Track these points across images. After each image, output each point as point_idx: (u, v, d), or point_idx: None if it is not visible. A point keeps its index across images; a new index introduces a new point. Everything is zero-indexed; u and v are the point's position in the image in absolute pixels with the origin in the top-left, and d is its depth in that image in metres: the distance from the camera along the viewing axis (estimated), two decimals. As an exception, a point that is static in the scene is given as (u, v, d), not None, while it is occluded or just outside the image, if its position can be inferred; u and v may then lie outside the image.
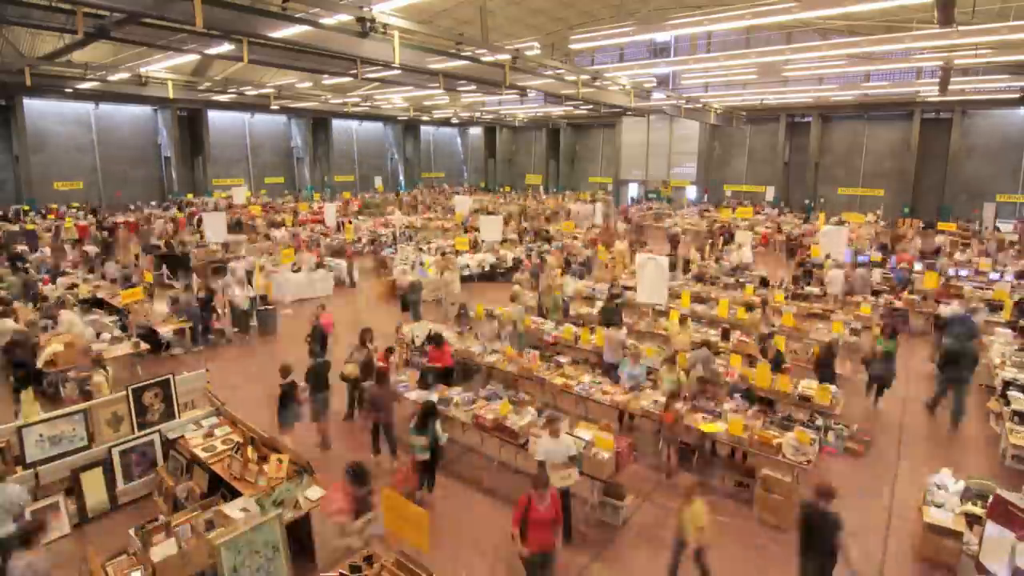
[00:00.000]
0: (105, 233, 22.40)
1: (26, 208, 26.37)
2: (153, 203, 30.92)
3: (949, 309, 11.47)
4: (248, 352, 12.21)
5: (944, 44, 15.62)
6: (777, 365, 8.63)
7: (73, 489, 6.43)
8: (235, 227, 22.89)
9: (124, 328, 11.49)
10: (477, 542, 6.18)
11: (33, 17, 12.11)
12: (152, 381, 7.27)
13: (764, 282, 14.58)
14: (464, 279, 17.44)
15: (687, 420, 7.42)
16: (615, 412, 8.55)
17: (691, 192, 37.75)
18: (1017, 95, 24.94)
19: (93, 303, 13.35)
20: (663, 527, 6.39)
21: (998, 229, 24.24)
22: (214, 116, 34.59)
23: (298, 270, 16.46)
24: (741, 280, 15.27)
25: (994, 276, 15.43)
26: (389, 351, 9.28)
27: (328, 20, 11.45)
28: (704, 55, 28.00)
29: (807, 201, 32.70)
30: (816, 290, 14.42)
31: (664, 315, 12.09)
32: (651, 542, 6.18)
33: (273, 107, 31.20)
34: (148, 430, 7.07)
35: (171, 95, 24.35)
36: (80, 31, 11.15)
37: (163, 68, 22.44)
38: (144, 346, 10.58)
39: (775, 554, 6.02)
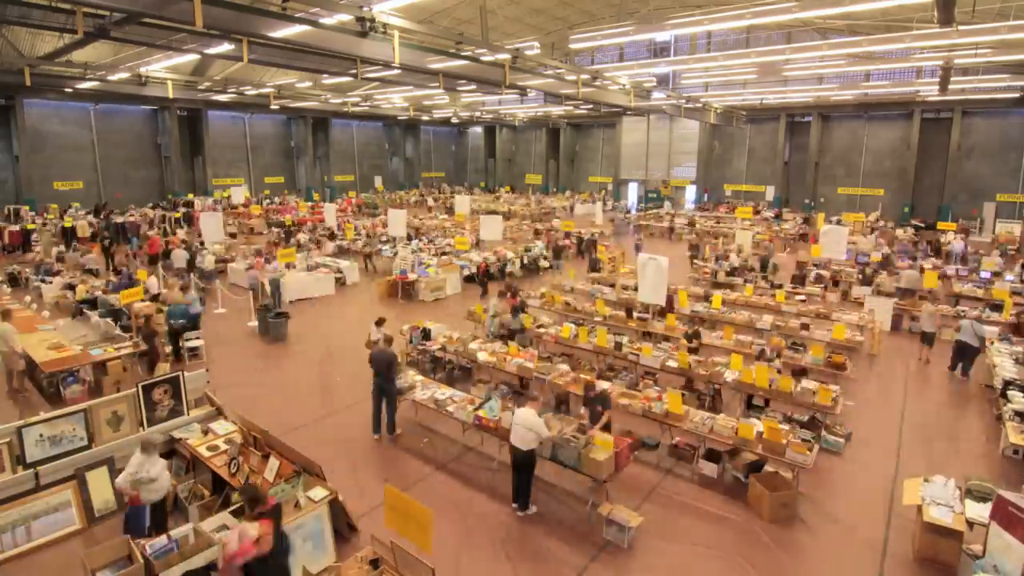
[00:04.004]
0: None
1: (26, 208, 26.38)
2: (151, 204, 30.93)
3: None
4: (256, 353, 12.20)
5: (944, 43, 15.64)
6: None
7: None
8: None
9: (127, 329, 11.48)
10: (478, 542, 6.17)
11: (33, 17, 12.13)
12: (161, 378, 7.31)
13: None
14: (469, 279, 17.50)
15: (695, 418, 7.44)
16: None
17: (690, 192, 37.75)
18: (1017, 95, 24.95)
19: (91, 303, 13.34)
20: (663, 526, 6.40)
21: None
22: (214, 116, 34.59)
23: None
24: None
25: (985, 274, 15.46)
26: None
27: (328, 20, 11.47)
28: (704, 55, 28.02)
29: (807, 200, 32.73)
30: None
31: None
32: (651, 541, 6.18)
33: (273, 107, 31.23)
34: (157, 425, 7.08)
35: (171, 95, 24.39)
36: (80, 31, 11.17)
37: (163, 68, 22.45)
38: (144, 346, 10.56)
39: (772, 549, 6.02)
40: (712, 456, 7.43)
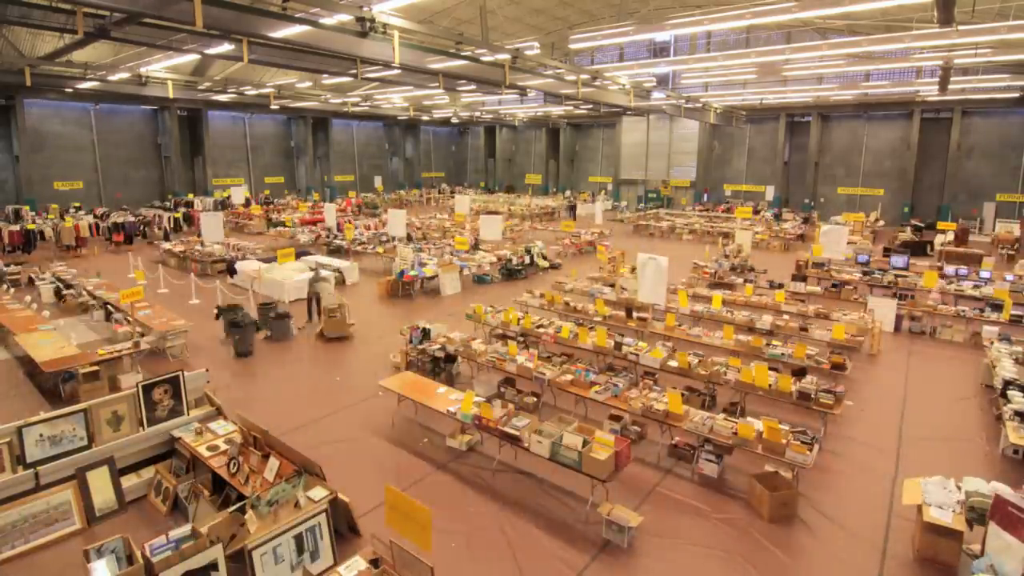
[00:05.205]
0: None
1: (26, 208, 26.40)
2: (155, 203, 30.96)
3: None
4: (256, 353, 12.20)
5: (944, 43, 15.65)
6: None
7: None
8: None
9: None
10: (478, 541, 6.18)
11: (33, 17, 12.15)
12: (161, 378, 7.31)
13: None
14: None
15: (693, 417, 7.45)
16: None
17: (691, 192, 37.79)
18: (1017, 94, 24.99)
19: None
20: (663, 526, 6.40)
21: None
22: (214, 116, 34.64)
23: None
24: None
25: (985, 274, 15.42)
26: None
27: (328, 20, 11.49)
28: (704, 54, 28.06)
29: (807, 200, 32.75)
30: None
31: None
32: (651, 541, 6.18)
33: (273, 107, 31.27)
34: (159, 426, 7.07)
35: (171, 95, 24.44)
36: (80, 31, 11.19)
37: (163, 68, 22.51)
38: (145, 346, 10.57)
39: (772, 549, 6.02)
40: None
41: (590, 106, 25.39)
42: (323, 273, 14.29)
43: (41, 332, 10.69)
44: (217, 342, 12.23)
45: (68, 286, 14.90)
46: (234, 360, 11.40)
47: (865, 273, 15.87)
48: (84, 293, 13.99)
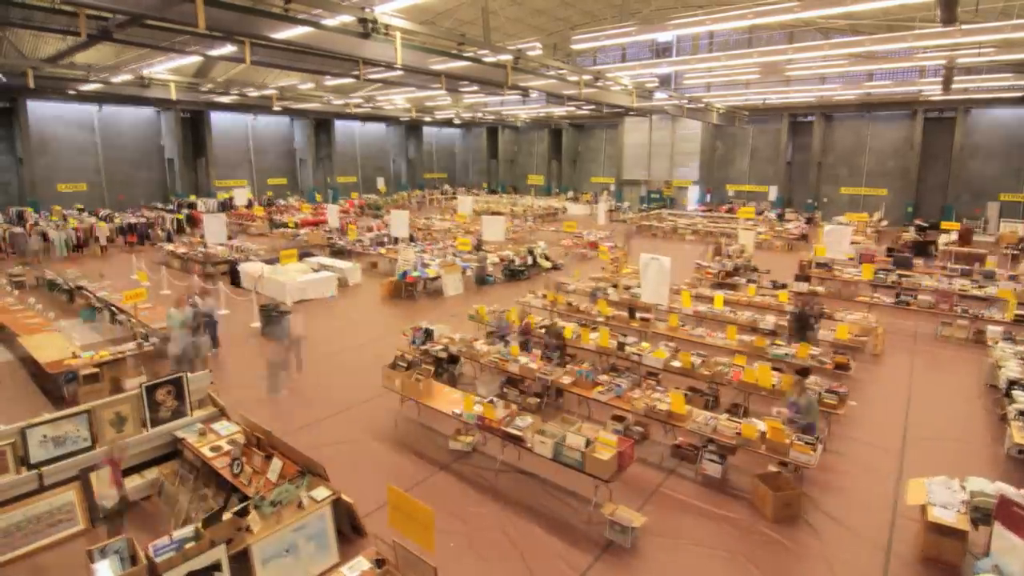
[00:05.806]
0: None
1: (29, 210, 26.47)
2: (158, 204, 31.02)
3: None
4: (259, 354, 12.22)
5: (947, 43, 15.60)
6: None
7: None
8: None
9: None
10: (481, 542, 6.17)
11: (36, 19, 12.16)
12: (165, 379, 7.31)
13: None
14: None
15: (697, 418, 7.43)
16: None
17: (692, 192, 37.65)
18: (1020, 94, 24.89)
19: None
20: (666, 527, 6.39)
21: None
22: (217, 117, 34.69)
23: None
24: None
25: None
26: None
27: (330, 21, 11.50)
28: (706, 55, 28.01)
29: (810, 200, 32.69)
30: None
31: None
32: (654, 541, 6.17)
33: (275, 108, 31.31)
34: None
35: (174, 96, 24.45)
36: (83, 33, 11.20)
37: (165, 70, 22.55)
38: (147, 347, 10.58)
39: (775, 549, 6.01)
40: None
41: (592, 107, 25.36)
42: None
43: (44, 333, 10.73)
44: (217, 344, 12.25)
45: (69, 287, 14.94)
46: (233, 361, 11.43)
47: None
48: (88, 294, 14.02)
